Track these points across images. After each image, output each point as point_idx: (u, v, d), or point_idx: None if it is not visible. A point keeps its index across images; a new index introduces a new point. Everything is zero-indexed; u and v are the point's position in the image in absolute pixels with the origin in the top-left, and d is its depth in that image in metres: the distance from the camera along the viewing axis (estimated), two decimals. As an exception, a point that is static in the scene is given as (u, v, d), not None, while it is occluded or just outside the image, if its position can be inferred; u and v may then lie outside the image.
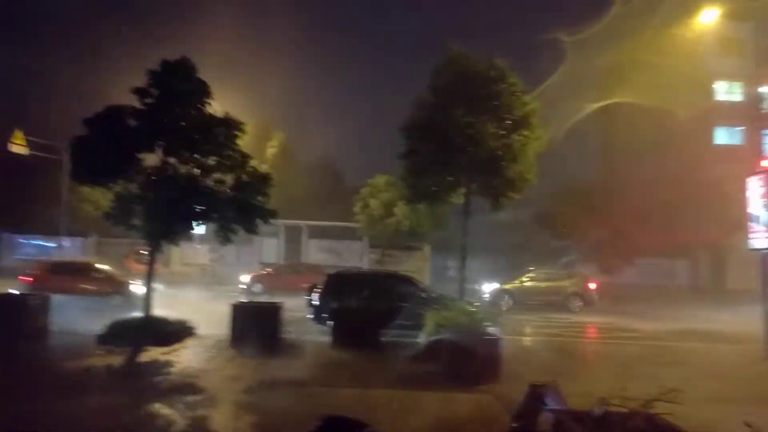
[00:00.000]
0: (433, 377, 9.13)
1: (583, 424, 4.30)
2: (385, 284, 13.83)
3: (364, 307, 12.35)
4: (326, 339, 12.39)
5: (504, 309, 19.86)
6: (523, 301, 20.89)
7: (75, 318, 13.62)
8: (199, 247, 32.52)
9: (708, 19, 26.53)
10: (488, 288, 21.74)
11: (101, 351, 10.51)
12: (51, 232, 34.90)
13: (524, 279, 22.56)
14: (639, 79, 32.70)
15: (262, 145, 31.36)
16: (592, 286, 21.86)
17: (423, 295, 13.69)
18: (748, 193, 12.67)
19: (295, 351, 11.32)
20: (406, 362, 10.30)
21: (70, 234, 34.86)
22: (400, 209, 30.66)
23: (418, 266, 32.70)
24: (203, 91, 12.04)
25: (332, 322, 12.68)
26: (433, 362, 9.99)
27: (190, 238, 12.41)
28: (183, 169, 11.95)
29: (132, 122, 11.69)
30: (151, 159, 12.10)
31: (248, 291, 23.65)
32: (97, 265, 20.75)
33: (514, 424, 5.88)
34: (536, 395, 5.74)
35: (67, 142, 11.82)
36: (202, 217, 12.07)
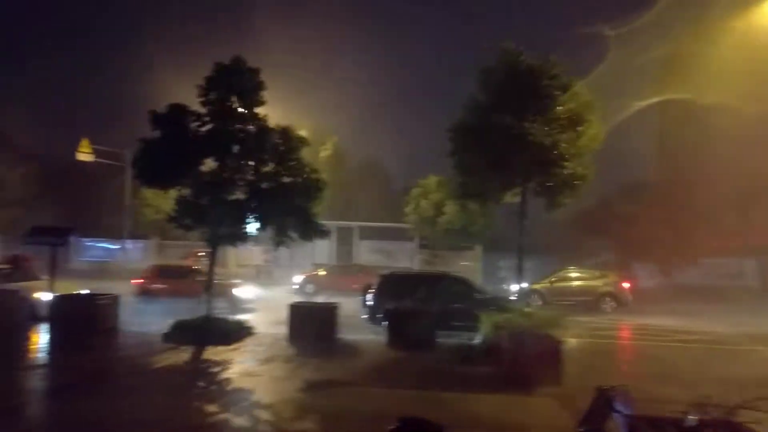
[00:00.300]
0: (492, 379, 9.03)
1: (660, 430, 4.14)
2: (439, 285, 13.76)
3: (419, 308, 12.33)
4: (381, 339, 12.44)
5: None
6: (552, 301, 20.12)
7: (146, 317, 14.25)
8: (253, 248, 33.29)
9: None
10: (516, 288, 21.13)
11: (165, 348, 10.91)
12: (115, 235, 36.55)
13: (553, 278, 21.81)
14: (701, 73, 31.33)
15: (315, 149, 31.76)
16: (626, 285, 20.88)
17: (478, 295, 13.56)
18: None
19: (352, 351, 11.42)
20: (463, 364, 10.22)
21: (133, 237, 36.39)
22: (450, 209, 30.49)
23: (469, 266, 32.39)
24: (257, 86, 12.32)
25: (387, 323, 12.74)
26: (490, 364, 9.89)
27: (247, 240, 12.71)
28: (243, 174, 12.28)
29: (194, 126, 12.10)
30: (209, 163, 12.50)
31: (301, 291, 24.03)
32: (203, 269, 21.30)
33: (581, 429, 5.74)
34: (605, 399, 5.56)
35: (131, 148, 12.36)
36: (260, 222, 12.36)
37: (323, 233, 12.62)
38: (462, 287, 14.01)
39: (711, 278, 33.12)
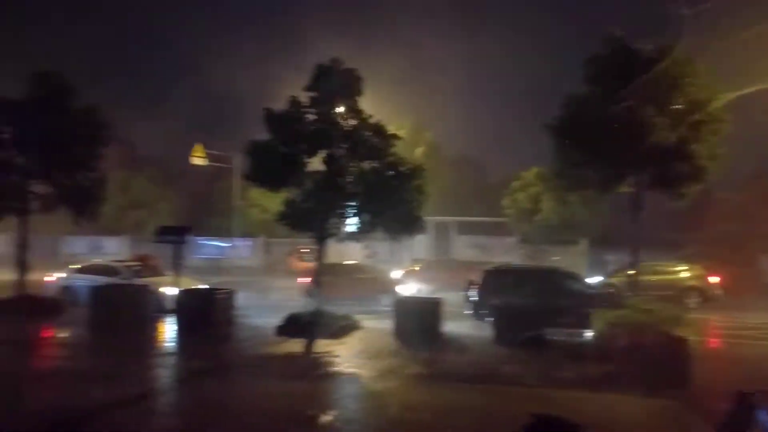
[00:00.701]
0: (610, 379, 8.56)
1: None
2: (547, 280, 13.30)
3: (525, 304, 12.00)
4: (487, 335, 12.26)
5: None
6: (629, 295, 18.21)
7: (259, 310, 15.04)
8: (353, 245, 34.08)
9: None
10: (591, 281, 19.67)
11: (278, 340, 11.43)
12: (225, 234, 38.89)
13: (631, 272, 19.79)
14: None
15: (411, 147, 31.87)
16: (714, 280, 18.77)
17: (588, 291, 12.96)
18: None
19: (459, 347, 11.34)
20: (576, 361, 9.80)
21: (242, 235, 38.54)
22: (546, 203, 29.37)
23: (573, 261, 31.05)
24: (356, 85, 12.55)
25: (492, 319, 12.53)
26: (606, 363, 9.40)
27: (354, 237, 13.02)
28: (347, 171, 12.59)
29: (298, 126, 12.57)
30: (314, 163, 12.95)
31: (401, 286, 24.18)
32: (365, 266, 21.39)
33: (719, 435, 5.29)
34: (747, 404, 5.08)
35: (239, 151, 13.07)
36: (366, 218, 12.60)
37: (422, 227, 12.64)
38: (571, 282, 13.43)
39: None
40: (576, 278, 13.93)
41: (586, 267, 30.85)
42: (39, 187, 14.53)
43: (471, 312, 13.73)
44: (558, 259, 31.17)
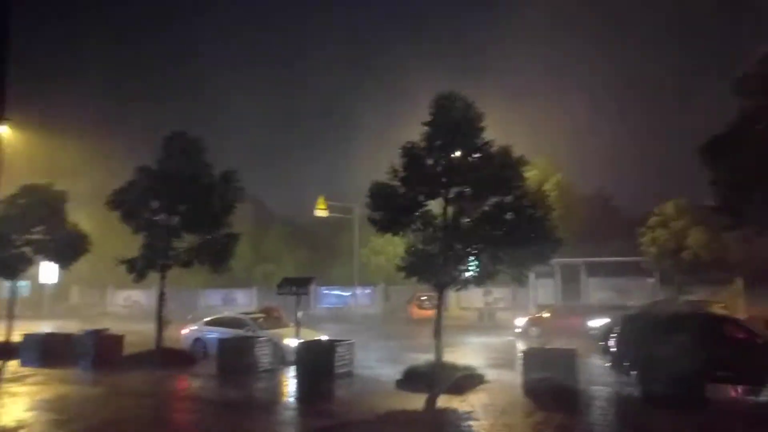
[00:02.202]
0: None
1: None
2: (703, 327, 11.44)
3: (677, 355, 10.36)
4: (632, 391, 10.73)
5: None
6: None
7: (378, 362, 14.63)
8: (473, 290, 32.95)
9: None
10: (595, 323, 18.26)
11: (399, 395, 10.81)
12: (346, 282, 39.57)
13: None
14: None
15: (540, 184, 30.55)
16: None
17: (759, 340, 10.93)
18: None
19: (600, 406, 9.98)
20: (750, 429, 8.11)
21: (362, 284, 38.97)
22: (695, 238, 26.41)
23: (728, 303, 27.36)
24: (476, 118, 12.07)
25: (637, 372, 10.97)
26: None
27: (478, 283, 12.29)
28: (470, 212, 12.02)
29: (417, 168, 12.25)
30: (434, 206, 12.53)
31: (524, 334, 22.57)
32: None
33: None
34: None
35: (362, 199, 13.04)
36: (492, 261, 11.84)
37: (556, 247, 11.64)
38: (734, 329, 11.46)
39: None
40: (737, 323, 11.87)
41: (743, 309, 27.06)
42: (180, 244, 15.60)
43: (610, 364, 12.18)
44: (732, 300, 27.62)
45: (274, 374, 13.39)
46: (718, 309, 18.88)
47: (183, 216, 15.46)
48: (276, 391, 12.17)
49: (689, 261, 26.94)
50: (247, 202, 19.52)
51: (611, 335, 12.40)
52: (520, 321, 24.04)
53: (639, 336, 11.56)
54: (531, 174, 12.01)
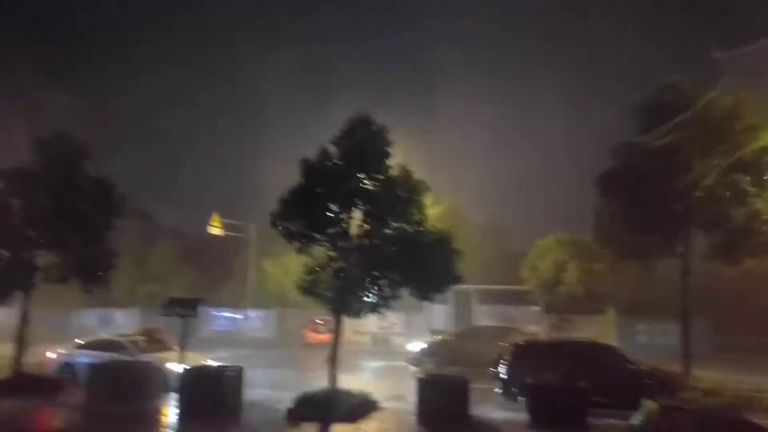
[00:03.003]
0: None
1: None
2: (585, 355, 12.12)
3: (563, 382, 10.83)
4: (521, 417, 11.03)
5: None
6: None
7: (270, 389, 13.93)
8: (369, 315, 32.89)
9: None
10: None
11: (289, 426, 10.31)
12: (239, 305, 37.98)
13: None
14: None
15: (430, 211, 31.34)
16: None
17: (632, 367, 11.73)
18: None
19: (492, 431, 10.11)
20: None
21: (255, 307, 37.58)
22: (571, 273, 28.22)
23: (601, 331, 29.48)
24: (386, 147, 12.07)
25: (526, 398, 11.33)
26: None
27: (376, 309, 12.11)
28: (373, 235, 11.88)
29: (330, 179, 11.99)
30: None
31: (418, 360, 22.65)
32: None
33: None
34: None
35: (254, 222, 12.47)
36: (394, 285, 11.74)
37: (456, 282, 11.77)
38: (612, 357, 12.23)
39: None
40: (616, 352, 12.71)
41: (616, 338, 29.27)
42: (45, 260, 13.97)
43: (501, 391, 12.50)
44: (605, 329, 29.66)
45: (153, 403, 12.31)
46: (527, 332, 20.94)
47: (49, 227, 13.80)
48: (154, 423, 11.14)
49: (566, 295, 28.72)
50: (132, 214, 18.04)
51: (502, 363, 12.78)
52: (415, 346, 24.05)
53: (527, 363, 11.99)
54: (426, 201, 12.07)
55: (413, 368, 19.51)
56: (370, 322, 34.22)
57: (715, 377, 10.49)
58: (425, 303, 30.55)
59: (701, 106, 10.05)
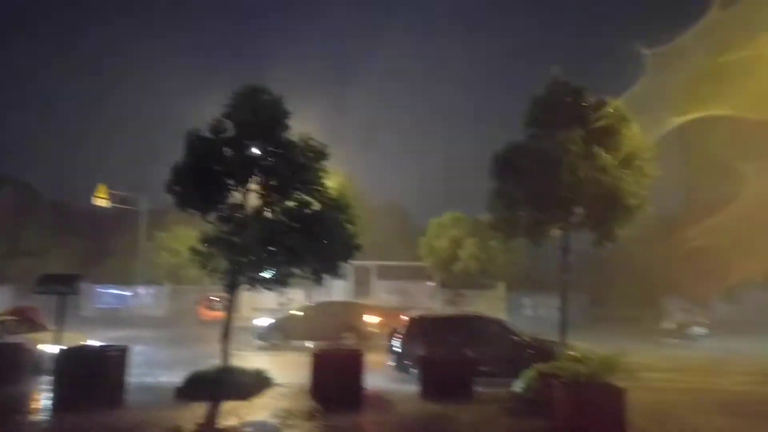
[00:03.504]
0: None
1: None
2: (473, 328, 12.74)
3: (452, 353, 11.31)
4: (413, 389, 11.40)
5: None
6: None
7: (161, 368, 13.32)
8: (267, 290, 32.30)
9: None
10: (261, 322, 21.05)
11: (177, 405, 9.93)
12: (129, 281, 35.90)
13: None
14: (723, 96, 30.65)
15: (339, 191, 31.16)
16: (372, 319, 20.09)
17: (515, 338, 12.49)
18: None
19: (383, 404, 10.36)
20: (510, 416, 9.15)
21: (146, 283, 35.70)
22: (466, 250, 29.41)
23: (492, 306, 31.20)
24: (282, 117, 11.70)
25: (418, 371, 11.72)
26: (541, 417, 8.81)
27: (275, 284, 11.81)
28: (271, 206, 11.54)
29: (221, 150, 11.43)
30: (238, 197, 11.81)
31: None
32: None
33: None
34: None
35: (146, 193, 11.66)
36: (292, 260, 11.49)
37: (355, 252, 11.69)
38: (497, 329, 12.95)
39: (749, 312, 31.67)
40: (502, 324, 13.48)
41: (504, 311, 31.12)
42: None
43: (394, 364, 12.84)
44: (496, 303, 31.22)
45: (23, 387, 11.35)
46: (368, 307, 22.02)
47: None
48: (23, 410, 10.25)
49: (461, 271, 29.99)
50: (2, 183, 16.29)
51: (396, 336, 13.10)
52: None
53: (419, 337, 12.38)
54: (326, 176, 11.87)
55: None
56: (268, 299, 33.78)
57: (587, 346, 11.41)
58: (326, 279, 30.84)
59: (586, 102, 10.86)
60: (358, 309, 21.43)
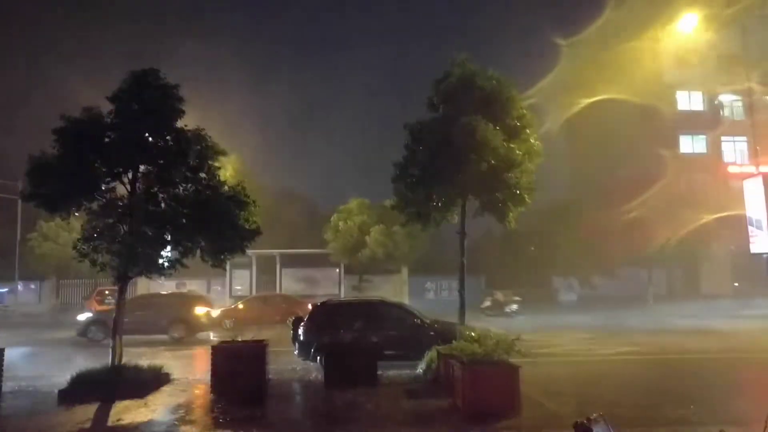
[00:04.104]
0: (447, 414, 8.24)
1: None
2: (376, 313, 12.88)
3: (356, 339, 11.40)
4: (317, 377, 11.38)
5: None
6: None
7: (42, 370, 12.27)
8: (165, 283, 30.83)
9: (687, 26, 27.10)
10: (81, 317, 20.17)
11: (60, 410, 9.15)
12: (6, 276, 32.74)
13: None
14: (606, 89, 33.12)
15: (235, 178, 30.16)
16: (201, 311, 20.14)
17: (417, 321, 12.81)
18: (746, 196, 12.31)
19: (287, 394, 10.25)
20: (410, 398, 9.39)
21: (27, 277, 32.77)
22: (374, 236, 29.68)
23: (396, 290, 31.85)
24: (174, 99, 11.07)
25: (322, 358, 11.70)
26: (440, 396, 9.14)
27: (166, 270, 11.22)
28: (159, 192, 10.90)
29: (102, 137, 10.60)
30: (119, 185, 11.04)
31: (218, 327, 22.09)
32: None
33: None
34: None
35: (23, 179, 10.53)
36: (183, 244, 10.95)
37: (253, 237, 11.34)
38: (400, 313, 13.20)
39: (623, 288, 34.82)
40: (404, 308, 13.76)
41: (408, 294, 31.90)
42: None
43: (298, 352, 12.73)
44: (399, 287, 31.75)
45: None
46: (198, 298, 21.89)
47: None
48: None
49: (367, 257, 30.23)
50: None
51: (299, 325, 12.97)
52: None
53: (323, 323, 12.36)
54: (227, 164, 11.49)
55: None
56: (166, 289, 32.27)
57: (483, 326, 11.97)
58: (228, 268, 29.83)
59: (484, 84, 11.32)
60: (189, 300, 20.90)
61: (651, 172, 33.26)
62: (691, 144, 38.58)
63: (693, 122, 38.02)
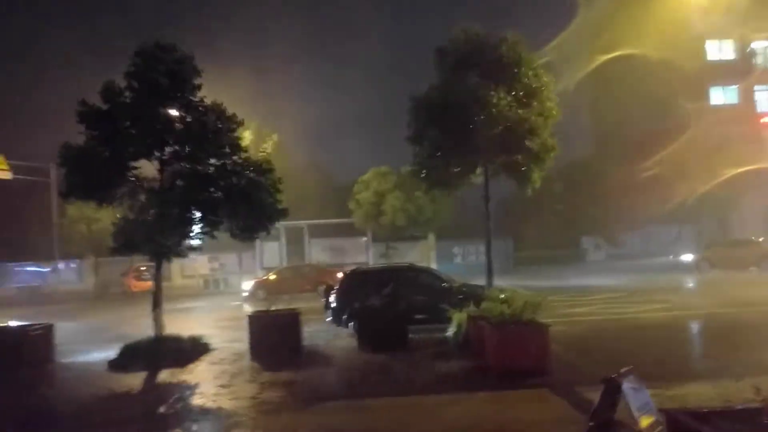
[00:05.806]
0: (477, 375, 8.50)
1: (710, 424, 3.66)
2: (405, 278, 13.13)
3: (386, 305, 11.68)
4: (350, 342, 11.75)
5: None
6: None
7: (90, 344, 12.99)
8: (198, 257, 31.63)
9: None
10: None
11: (111, 377, 9.75)
12: (46, 256, 33.98)
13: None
14: (632, 44, 32.11)
15: (256, 148, 30.40)
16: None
17: (445, 285, 13.03)
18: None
19: (322, 360, 10.62)
20: (442, 360, 9.66)
21: (66, 257, 33.98)
22: (390, 202, 29.63)
23: (423, 256, 32.09)
24: (191, 72, 11.16)
25: (354, 324, 12.06)
26: (470, 358, 9.40)
27: (196, 249, 11.60)
28: (187, 174, 11.15)
29: (125, 121, 10.80)
30: (147, 167, 11.31)
31: (252, 298, 22.85)
32: None
33: (592, 422, 5.27)
34: (613, 387, 5.12)
35: (57, 156, 10.84)
36: (213, 224, 11.28)
37: (281, 216, 11.61)
38: (428, 278, 13.44)
39: (651, 246, 34.45)
40: (432, 273, 13.98)
41: (435, 260, 32.13)
42: None
43: (331, 319, 13.11)
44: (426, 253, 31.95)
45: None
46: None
47: None
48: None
49: (387, 224, 30.35)
50: None
51: (331, 292, 13.33)
52: (247, 285, 24.11)
53: (354, 290, 12.67)
54: (246, 135, 11.59)
55: (247, 306, 19.52)
56: (200, 265, 33.16)
57: (512, 287, 12.11)
58: (257, 241, 30.44)
59: (492, 49, 11.18)
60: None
61: (680, 125, 32.46)
62: (722, 95, 37.32)
63: (724, 72, 36.70)
